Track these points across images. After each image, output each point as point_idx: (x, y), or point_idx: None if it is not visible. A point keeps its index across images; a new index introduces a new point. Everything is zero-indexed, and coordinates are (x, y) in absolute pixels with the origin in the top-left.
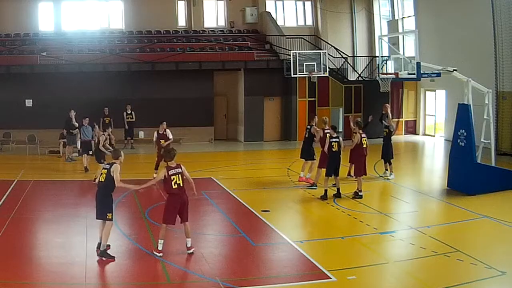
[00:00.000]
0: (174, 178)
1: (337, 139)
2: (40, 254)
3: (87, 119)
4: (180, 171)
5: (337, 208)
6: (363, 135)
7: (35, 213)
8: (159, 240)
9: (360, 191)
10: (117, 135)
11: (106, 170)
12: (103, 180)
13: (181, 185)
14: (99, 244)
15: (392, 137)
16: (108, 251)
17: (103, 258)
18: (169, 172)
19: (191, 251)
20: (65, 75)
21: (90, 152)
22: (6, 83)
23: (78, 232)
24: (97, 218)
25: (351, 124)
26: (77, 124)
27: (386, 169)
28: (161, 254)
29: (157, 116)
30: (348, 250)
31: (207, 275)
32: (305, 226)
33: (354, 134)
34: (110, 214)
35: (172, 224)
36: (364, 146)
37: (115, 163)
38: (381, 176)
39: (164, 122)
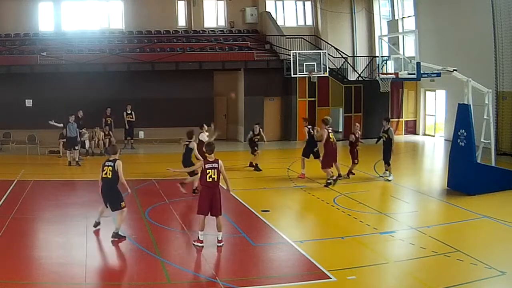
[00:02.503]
0: (209, 172)
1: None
2: (40, 254)
3: (73, 116)
4: (217, 166)
5: (337, 208)
6: (329, 130)
7: (35, 213)
8: (199, 232)
9: (330, 179)
10: (117, 135)
11: (110, 167)
12: (109, 176)
13: (215, 179)
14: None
15: (394, 140)
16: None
17: (116, 239)
18: (206, 165)
19: (221, 244)
20: (65, 75)
21: (76, 147)
22: (6, 83)
23: (78, 232)
24: (113, 211)
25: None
26: (61, 125)
27: (386, 170)
28: (202, 244)
29: (157, 116)
30: (348, 250)
31: (207, 275)
32: (305, 226)
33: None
34: (123, 202)
35: (205, 215)
36: (332, 140)
37: (116, 159)
38: (381, 176)
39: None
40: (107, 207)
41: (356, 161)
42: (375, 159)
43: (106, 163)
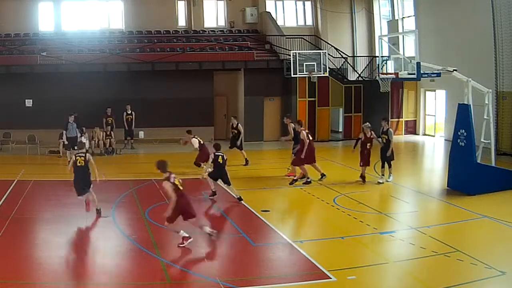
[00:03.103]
0: (177, 183)
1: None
2: (40, 254)
3: (73, 116)
4: (174, 175)
5: (337, 208)
6: (306, 131)
7: (35, 213)
8: (181, 232)
9: (307, 177)
10: (117, 135)
11: (83, 157)
12: (83, 164)
13: (183, 186)
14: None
15: (393, 141)
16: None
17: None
18: (171, 179)
19: (213, 234)
20: (65, 75)
21: (76, 147)
22: (6, 83)
23: (78, 232)
24: (87, 189)
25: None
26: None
27: (383, 174)
28: (191, 239)
29: (157, 116)
30: (348, 250)
31: (207, 275)
32: (305, 226)
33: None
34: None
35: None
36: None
37: (85, 152)
38: (380, 182)
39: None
40: (82, 191)
41: (361, 163)
42: (375, 159)
43: (78, 156)
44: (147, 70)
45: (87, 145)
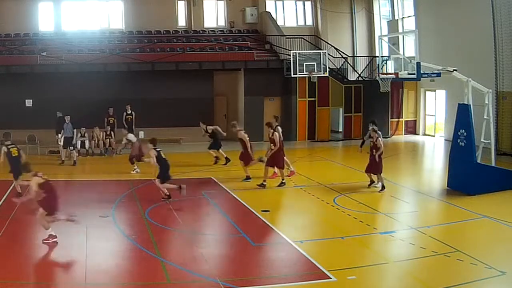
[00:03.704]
0: (41, 180)
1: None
2: (40, 254)
3: (69, 117)
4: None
5: (337, 208)
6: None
7: (35, 213)
8: (50, 230)
9: (283, 179)
10: (117, 135)
11: (15, 148)
12: (17, 154)
13: (49, 181)
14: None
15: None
16: None
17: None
18: (38, 175)
19: (49, 241)
20: (65, 75)
21: (71, 148)
22: (6, 83)
23: (78, 232)
24: (17, 178)
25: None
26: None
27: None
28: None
29: (157, 116)
30: (348, 250)
31: (207, 275)
32: (305, 226)
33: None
34: None
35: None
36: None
37: (13, 143)
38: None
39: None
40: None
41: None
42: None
43: (10, 147)
44: (147, 70)
45: (87, 145)
